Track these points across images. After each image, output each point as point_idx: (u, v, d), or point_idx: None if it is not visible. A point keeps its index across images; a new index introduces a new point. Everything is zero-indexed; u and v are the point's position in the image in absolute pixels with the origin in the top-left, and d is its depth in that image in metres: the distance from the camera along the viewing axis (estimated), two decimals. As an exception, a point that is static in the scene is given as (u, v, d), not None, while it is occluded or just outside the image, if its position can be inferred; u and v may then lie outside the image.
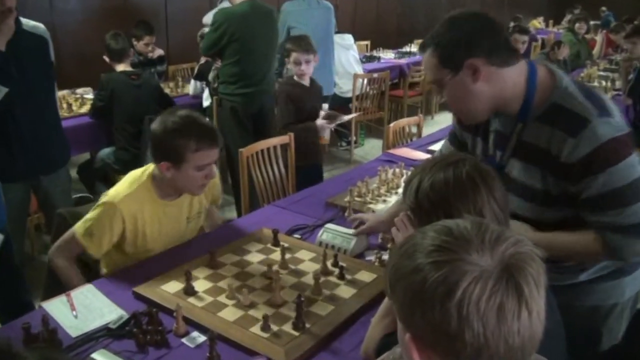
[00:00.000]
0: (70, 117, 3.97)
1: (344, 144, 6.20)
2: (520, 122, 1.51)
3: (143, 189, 1.93)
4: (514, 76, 1.48)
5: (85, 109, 4.17)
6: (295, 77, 3.57)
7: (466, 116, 1.58)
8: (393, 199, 2.52)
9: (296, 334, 1.54)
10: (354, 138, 5.91)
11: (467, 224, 0.84)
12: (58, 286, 1.86)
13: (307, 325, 1.57)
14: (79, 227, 1.90)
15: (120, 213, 1.88)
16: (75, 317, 1.64)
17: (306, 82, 3.57)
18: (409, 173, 2.61)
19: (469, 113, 1.55)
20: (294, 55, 3.47)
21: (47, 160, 2.73)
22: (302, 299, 1.58)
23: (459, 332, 0.76)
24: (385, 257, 1.96)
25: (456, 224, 0.85)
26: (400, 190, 2.52)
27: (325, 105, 3.66)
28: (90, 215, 1.91)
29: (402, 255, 0.84)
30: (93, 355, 1.38)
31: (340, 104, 5.66)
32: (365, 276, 1.84)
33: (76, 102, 4.33)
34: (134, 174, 1.98)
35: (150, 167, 1.98)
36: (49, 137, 2.73)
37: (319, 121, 3.53)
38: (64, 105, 4.08)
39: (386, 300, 1.42)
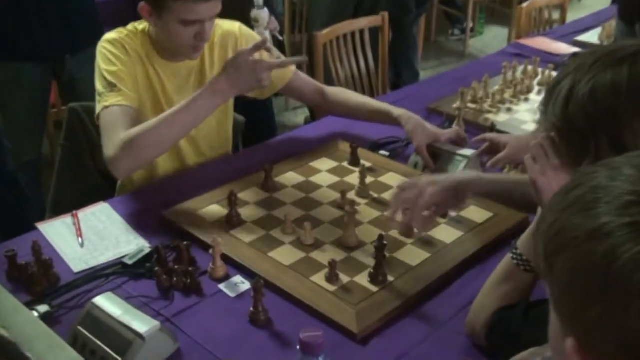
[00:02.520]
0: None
1: (456, 32, 6.08)
2: None
3: (139, 39, 1.93)
4: None
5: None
6: None
7: None
8: (522, 108, 2.42)
9: (374, 289, 1.47)
10: (470, 24, 5.78)
11: None
12: (68, 200, 1.85)
13: (390, 279, 1.50)
14: (98, 106, 1.85)
15: (124, 46, 1.88)
16: (81, 245, 1.61)
17: None
18: (551, 72, 2.49)
19: None
20: None
21: (73, 36, 2.73)
22: (385, 241, 1.49)
23: None
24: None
25: None
26: (534, 97, 2.49)
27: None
28: (98, 81, 1.88)
29: (572, 206, 0.68)
30: (95, 299, 1.32)
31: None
32: (476, 214, 1.74)
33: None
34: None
35: (145, 22, 1.97)
36: (75, 8, 2.73)
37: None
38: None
39: (507, 258, 1.30)
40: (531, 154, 1.24)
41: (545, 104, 1.17)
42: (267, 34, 2.81)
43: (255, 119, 2.06)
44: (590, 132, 1.09)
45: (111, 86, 1.82)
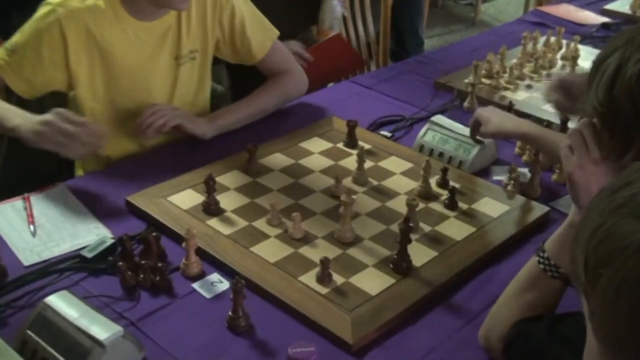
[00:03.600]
0: None
1: (466, -5, 6.26)
2: None
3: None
4: None
5: None
6: None
7: None
8: (544, 85, 2.39)
9: (372, 293, 1.45)
10: (482, -13, 5.96)
11: None
12: (18, 182, 1.82)
13: (392, 280, 1.49)
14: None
15: (61, 27, 1.82)
16: (33, 234, 1.61)
17: None
18: (577, 45, 2.53)
19: None
20: None
21: None
22: (411, 223, 1.52)
23: None
24: (526, 178, 1.83)
25: None
26: (557, 72, 2.47)
27: None
28: (19, 31, 1.88)
29: (620, 209, 0.66)
30: (48, 299, 1.30)
31: None
32: (489, 207, 1.74)
33: None
34: None
35: None
36: None
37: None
38: None
39: (532, 262, 1.28)
40: (569, 143, 1.20)
41: (588, 84, 1.15)
42: (340, 7, 2.81)
43: (250, 86, 2.05)
44: (636, 120, 1.07)
45: (12, 49, 1.85)
